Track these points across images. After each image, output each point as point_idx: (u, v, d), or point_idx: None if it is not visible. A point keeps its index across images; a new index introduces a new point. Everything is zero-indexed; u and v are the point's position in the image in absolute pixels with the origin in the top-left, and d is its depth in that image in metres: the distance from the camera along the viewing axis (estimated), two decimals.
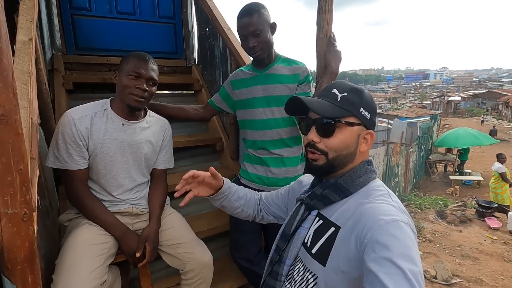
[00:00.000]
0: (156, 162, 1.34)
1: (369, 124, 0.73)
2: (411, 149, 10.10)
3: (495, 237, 5.02)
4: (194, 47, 2.69)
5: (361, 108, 0.71)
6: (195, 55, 2.70)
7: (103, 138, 1.15)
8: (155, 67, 1.21)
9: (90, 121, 1.13)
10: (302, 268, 0.72)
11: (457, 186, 9.27)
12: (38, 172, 0.88)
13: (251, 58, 1.40)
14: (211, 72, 2.40)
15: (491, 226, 5.45)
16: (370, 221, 0.60)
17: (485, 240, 4.95)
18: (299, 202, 0.81)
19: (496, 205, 6.04)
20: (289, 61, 1.38)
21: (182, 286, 1.25)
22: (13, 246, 0.67)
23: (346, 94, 0.71)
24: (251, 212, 0.99)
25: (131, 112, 1.20)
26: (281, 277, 0.75)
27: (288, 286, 0.74)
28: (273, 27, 1.31)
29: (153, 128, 1.29)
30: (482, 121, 21.95)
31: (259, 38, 1.26)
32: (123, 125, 1.19)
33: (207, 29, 2.43)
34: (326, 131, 0.71)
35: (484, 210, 5.92)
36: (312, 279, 0.68)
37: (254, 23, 1.24)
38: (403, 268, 0.51)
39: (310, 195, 0.77)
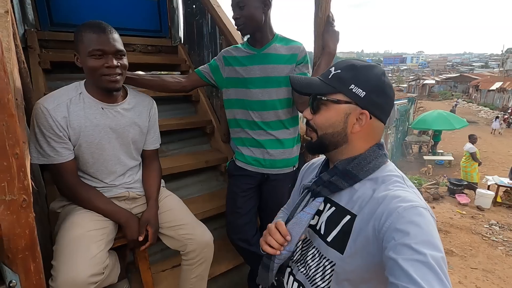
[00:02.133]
0: (146, 144, 1.28)
1: (365, 103, 0.66)
2: (389, 131, 10.48)
3: (464, 212, 5.42)
4: (179, 25, 2.56)
5: (352, 85, 0.66)
6: (181, 33, 2.58)
7: (84, 126, 1.05)
8: (116, 35, 1.05)
9: (66, 109, 1.02)
10: (317, 255, 0.72)
11: (430, 166, 9.82)
12: (30, 157, 0.83)
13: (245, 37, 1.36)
14: (199, 52, 2.31)
15: (461, 202, 5.86)
16: (388, 208, 0.58)
17: (455, 215, 5.33)
18: (306, 190, 0.78)
19: (466, 183, 6.48)
20: (286, 41, 1.34)
21: (183, 266, 1.25)
22: (13, 234, 0.63)
23: (339, 71, 0.69)
24: None
25: (110, 94, 1.11)
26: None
27: (303, 270, 0.74)
28: (266, 4, 1.24)
29: (137, 109, 1.20)
30: (456, 105, 22.96)
31: (242, 12, 1.22)
32: (102, 109, 1.09)
33: (194, 6, 2.31)
34: (314, 108, 0.72)
35: (455, 188, 6.34)
36: (329, 266, 0.68)
37: None
38: (425, 254, 0.49)
39: (316, 181, 0.74)
